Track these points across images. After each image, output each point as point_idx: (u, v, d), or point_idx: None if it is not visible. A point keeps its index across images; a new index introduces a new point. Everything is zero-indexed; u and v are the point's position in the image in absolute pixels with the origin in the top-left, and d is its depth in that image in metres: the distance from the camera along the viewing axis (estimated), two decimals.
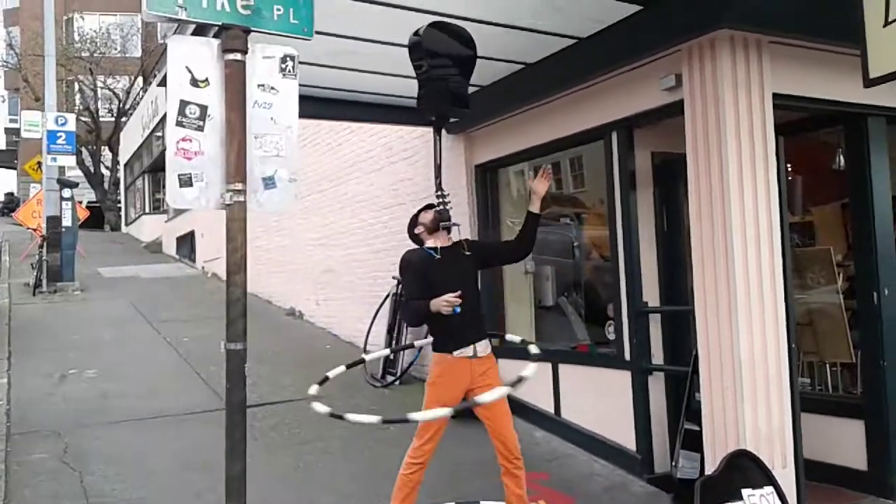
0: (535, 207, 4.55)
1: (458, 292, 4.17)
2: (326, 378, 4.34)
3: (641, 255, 5.61)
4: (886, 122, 5.41)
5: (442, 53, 4.36)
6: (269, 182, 3.51)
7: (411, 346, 6.90)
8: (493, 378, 4.39)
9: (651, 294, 5.67)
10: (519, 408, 6.91)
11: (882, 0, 3.42)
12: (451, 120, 5.23)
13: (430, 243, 4.51)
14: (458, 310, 4.17)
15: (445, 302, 4.14)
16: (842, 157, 5.91)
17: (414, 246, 4.65)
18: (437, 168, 4.59)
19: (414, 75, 4.43)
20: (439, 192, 4.54)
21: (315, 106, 6.34)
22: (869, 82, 3.55)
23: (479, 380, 4.31)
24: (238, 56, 3.36)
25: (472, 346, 4.31)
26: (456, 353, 4.29)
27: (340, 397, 7.86)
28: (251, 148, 3.45)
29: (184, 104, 3.32)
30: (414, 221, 4.61)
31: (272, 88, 3.49)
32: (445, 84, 4.40)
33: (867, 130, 5.33)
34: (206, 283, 15.78)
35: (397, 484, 4.36)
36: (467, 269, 4.51)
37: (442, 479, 5.40)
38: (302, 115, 3.62)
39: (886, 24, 3.42)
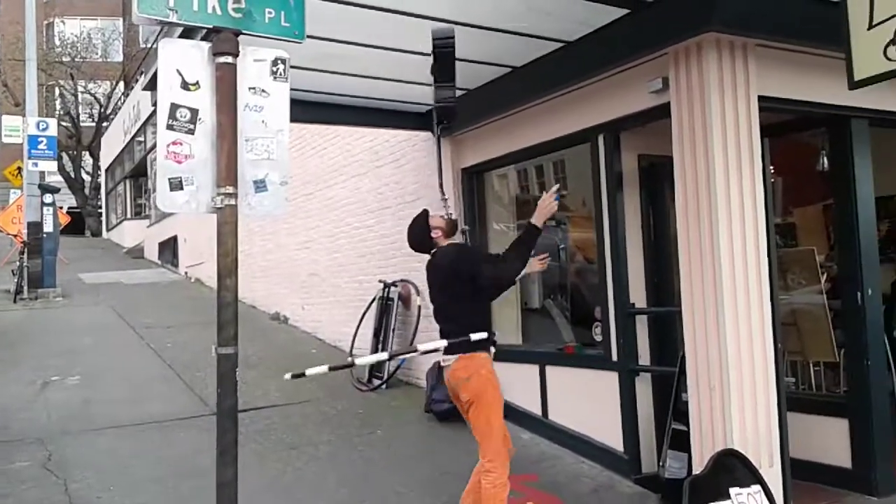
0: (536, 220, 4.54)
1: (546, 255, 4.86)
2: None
3: (629, 256, 5.63)
4: (869, 125, 5.45)
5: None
6: (259, 185, 3.49)
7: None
8: None
9: (638, 295, 5.70)
10: (506, 410, 6.90)
11: (866, 3, 3.47)
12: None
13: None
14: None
15: (540, 261, 4.76)
16: (825, 159, 5.97)
17: (415, 254, 4.80)
18: (441, 172, 4.64)
19: (401, 79, 4.42)
20: (444, 195, 4.61)
21: (303, 110, 6.31)
22: (853, 84, 3.61)
23: None
24: (229, 59, 3.34)
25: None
26: (492, 349, 4.51)
27: (325, 401, 7.85)
28: (242, 151, 3.43)
29: (174, 107, 3.30)
30: (425, 227, 4.59)
31: (263, 91, 3.48)
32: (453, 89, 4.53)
33: (850, 132, 5.37)
34: (189, 289, 15.69)
35: None
36: None
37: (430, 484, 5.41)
38: (291, 119, 3.61)
39: (871, 26, 3.47)
